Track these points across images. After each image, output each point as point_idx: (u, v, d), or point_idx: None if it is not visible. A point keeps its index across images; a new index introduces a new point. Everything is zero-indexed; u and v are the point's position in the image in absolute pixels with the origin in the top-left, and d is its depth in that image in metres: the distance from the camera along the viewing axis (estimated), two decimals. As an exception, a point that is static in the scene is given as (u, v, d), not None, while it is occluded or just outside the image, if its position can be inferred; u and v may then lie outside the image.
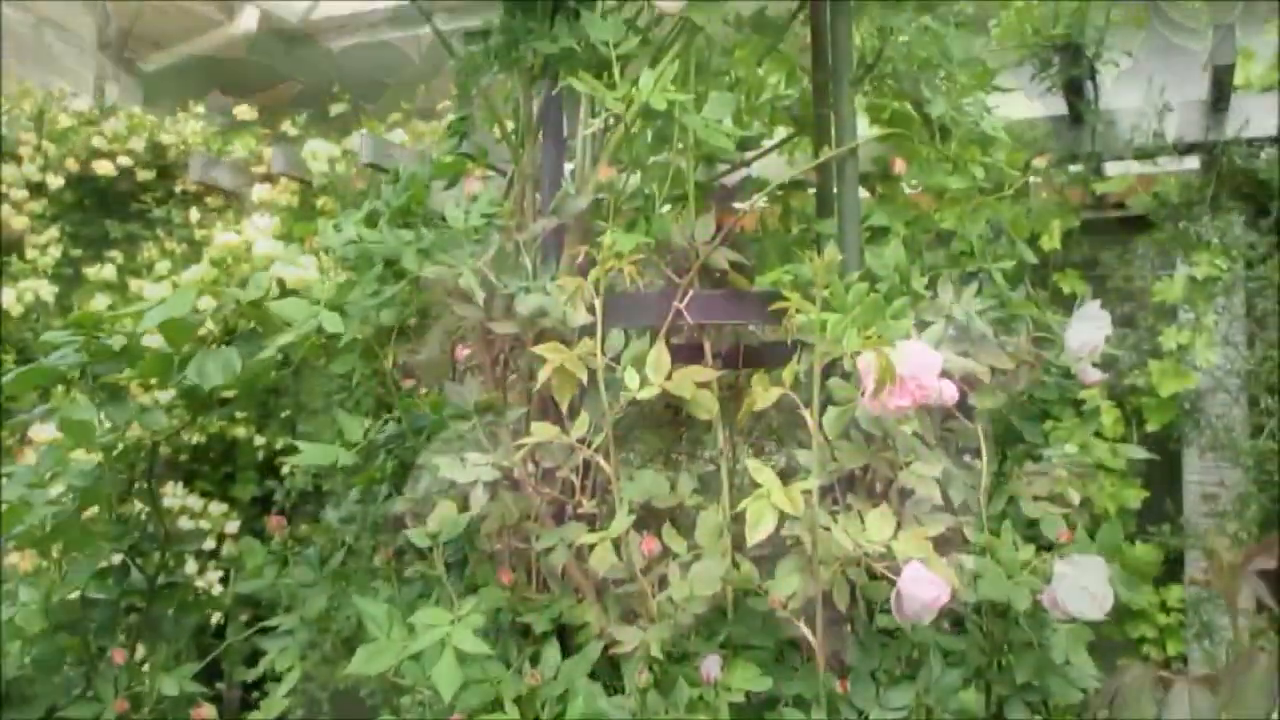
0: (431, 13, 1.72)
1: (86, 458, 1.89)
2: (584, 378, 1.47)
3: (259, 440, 4.41)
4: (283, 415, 4.45)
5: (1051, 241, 3.53)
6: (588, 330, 1.55)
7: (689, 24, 1.59)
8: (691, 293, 1.61)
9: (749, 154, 2.08)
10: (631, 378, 1.48)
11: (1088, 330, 1.63)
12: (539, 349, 1.47)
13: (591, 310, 1.52)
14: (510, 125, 1.85)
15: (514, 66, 1.72)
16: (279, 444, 4.53)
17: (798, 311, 1.48)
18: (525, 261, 1.67)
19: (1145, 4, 3.46)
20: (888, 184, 1.83)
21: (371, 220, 1.61)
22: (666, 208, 1.78)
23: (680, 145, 1.65)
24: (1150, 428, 3.37)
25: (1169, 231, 3.49)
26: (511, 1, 1.67)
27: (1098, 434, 3.25)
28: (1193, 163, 3.61)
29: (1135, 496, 3.30)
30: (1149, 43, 3.60)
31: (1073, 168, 3.63)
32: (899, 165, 1.75)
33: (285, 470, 4.47)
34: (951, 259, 1.78)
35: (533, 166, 1.73)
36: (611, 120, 1.60)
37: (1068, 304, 3.68)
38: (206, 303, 2.08)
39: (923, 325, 1.65)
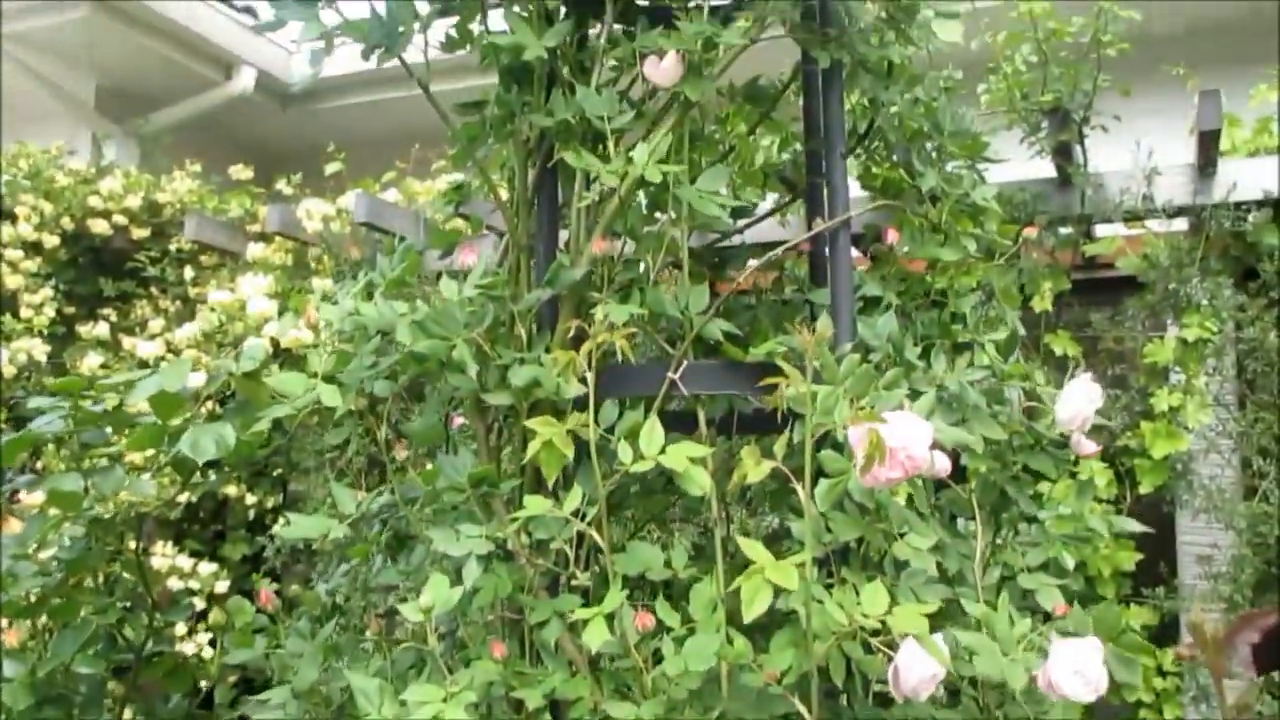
0: (428, 83, 1.73)
1: (74, 527, 1.88)
2: (571, 454, 1.47)
3: (250, 499, 4.39)
4: (274, 474, 4.44)
5: (1043, 303, 3.54)
6: (582, 402, 1.55)
7: (682, 97, 1.61)
8: (685, 363, 1.62)
9: (743, 221, 2.10)
10: (625, 451, 1.48)
11: (1078, 402, 1.63)
12: (530, 423, 1.47)
13: (585, 382, 1.52)
14: (505, 194, 1.86)
15: (510, 138, 1.74)
16: (270, 503, 4.51)
17: (790, 383, 1.48)
18: (520, 331, 1.68)
19: (1133, 77, 3.50)
20: (880, 253, 1.84)
21: (368, 292, 1.62)
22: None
23: (674, 215, 1.67)
24: (1143, 489, 3.37)
25: (1159, 293, 3.51)
26: (508, 75, 1.69)
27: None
28: (1181, 223, 3.64)
29: (1129, 559, 3.29)
30: (1136, 106, 3.63)
31: (1063, 230, 3.66)
32: (891, 236, 1.76)
33: (276, 529, 4.45)
34: (944, 328, 1.79)
35: (528, 236, 1.74)
36: (606, 191, 1.61)
37: (1060, 365, 3.69)
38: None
39: (915, 395, 1.65)
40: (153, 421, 1.75)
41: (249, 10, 5.10)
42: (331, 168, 4.87)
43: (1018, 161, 3.59)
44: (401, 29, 1.65)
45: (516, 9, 1.69)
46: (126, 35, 4.85)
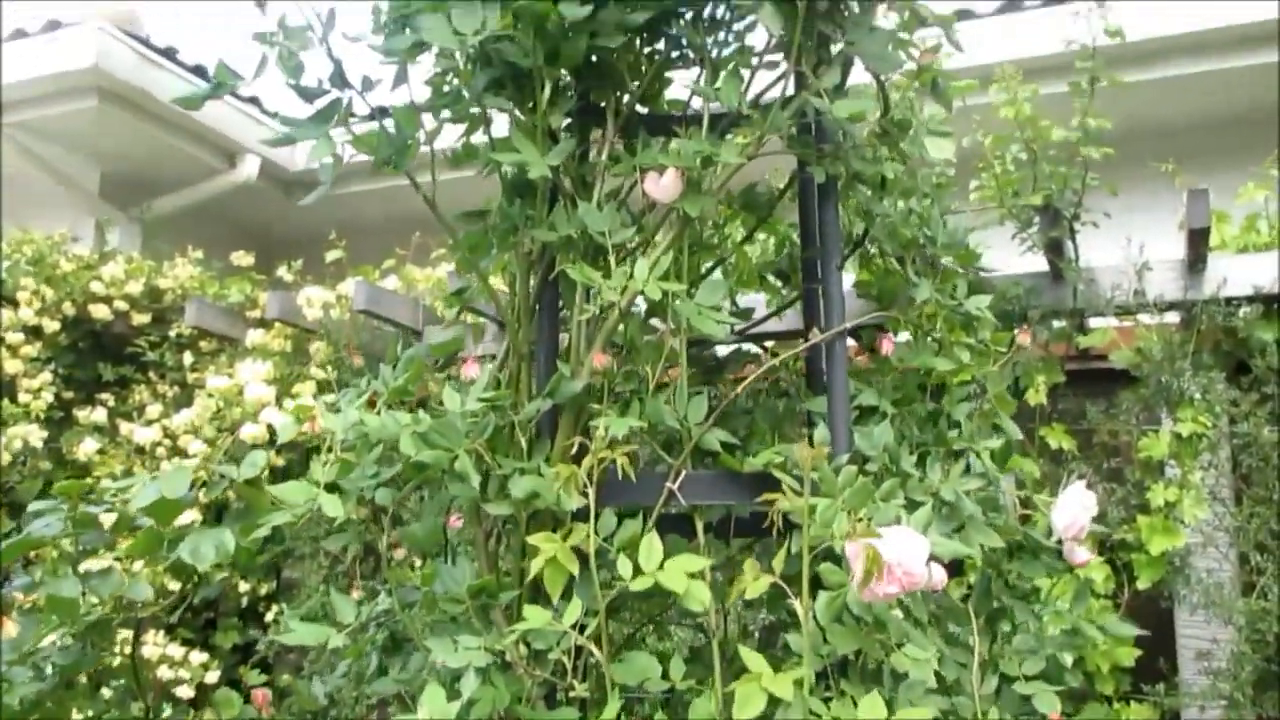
0: (433, 197, 1.77)
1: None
2: (575, 569, 1.48)
3: (243, 586, 4.36)
4: (268, 560, 4.42)
5: (1037, 396, 3.57)
6: (581, 510, 1.56)
7: (681, 213, 1.65)
8: (684, 474, 1.63)
9: (740, 326, 2.13)
10: (624, 566, 1.49)
11: (1073, 510, 1.65)
12: (534, 539, 1.48)
13: (585, 495, 1.54)
14: (505, 297, 1.89)
15: (513, 249, 1.77)
16: (263, 590, 4.48)
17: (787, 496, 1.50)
18: (520, 439, 1.70)
19: (1122, 172, 3.57)
20: (876, 361, 1.87)
21: (370, 400, 1.64)
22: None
23: (673, 325, 1.70)
24: (1141, 584, 3.36)
25: (1152, 387, 3.54)
26: (511, 189, 1.73)
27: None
28: (1173, 316, 3.68)
29: (1128, 655, 3.27)
30: (1126, 200, 3.70)
31: (1056, 323, 3.69)
32: (886, 345, 1.79)
33: (269, 618, 4.41)
34: (939, 436, 1.80)
35: (528, 345, 1.77)
36: (607, 305, 1.64)
37: (1055, 458, 3.70)
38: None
39: (912, 505, 1.66)
40: (152, 525, 1.76)
41: (254, 100, 5.19)
42: (332, 255, 4.92)
43: (1011, 255, 3.66)
44: (409, 143, 1.69)
45: (520, 126, 1.74)
46: (132, 124, 4.92)
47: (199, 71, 5.02)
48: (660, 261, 1.56)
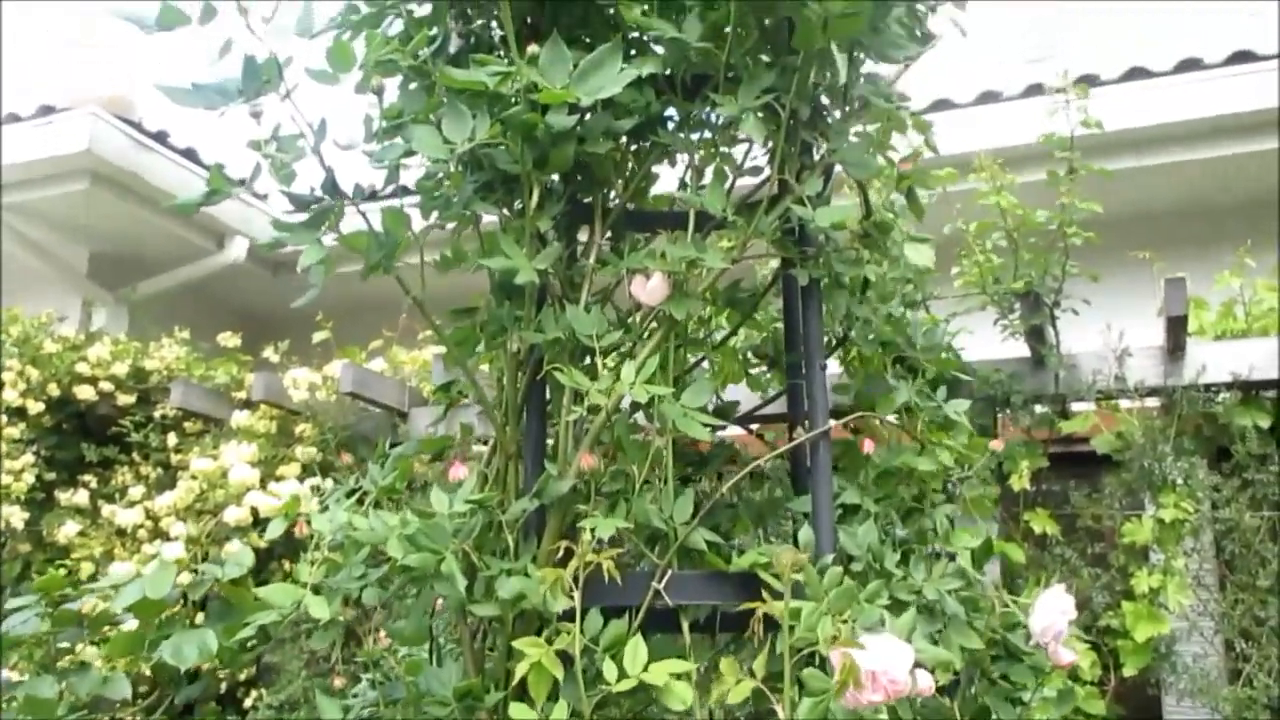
0: (420, 297, 1.80)
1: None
2: (560, 673, 1.48)
3: (221, 670, 4.30)
4: (249, 645, 4.36)
5: (1020, 482, 3.58)
6: (568, 612, 1.57)
7: (668, 315, 1.68)
8: (670, 573, 1.64)
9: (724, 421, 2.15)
10: (610, 669, 1.49)
11: (1050, 614, 1.66)
12: (519, 644, 1.48)
13: (571, 596, 1.54)
14: (493, 397, 1.91)
15: (501, 348, 1.79)
16: (243, 674, 4.43)
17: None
18: (507, 538, 1.70)
19: (1101, 259, 3.63)
20: (857, 460, 1.89)
21: (360, 500, 1.64)
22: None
23: (659, 425, 1.71)
24: (1127, 671, 3.35)
25: (1135, 471, 3.56)
26: (500, 290, 1.76)
27: (1074, 677, 3.23)
28: (1155, 399, 3.72)
29: (1117, 744, 3.26)
30: (1106, 285, 3.75)
31: (1038, 408, 3.73)
32: (868, 446, 1.81)
33: (248, 703, 4.35)
34: (920, 535, 1.82)
35: (515, 444, 1.78)
36: (593, 406, 1.65)
37: (1039, 542, 3.70)
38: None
39: (896, 605, 1.67)
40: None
41: (244, 183, 5.24)
42: (319, 336, 4.94)
43: (993, 341, 3.71)
44: (398, 246, 1.72)
45: (508, 229, 1.78)
46: (122, 206, 4.97)
47: (190, 155, 5.08)
48: (647, 364, 1.58)
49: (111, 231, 5.23)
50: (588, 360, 1.70)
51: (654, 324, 1.77)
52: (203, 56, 1.70)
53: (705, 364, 2.14)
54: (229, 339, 4.94)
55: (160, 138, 4.98)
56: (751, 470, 2.11)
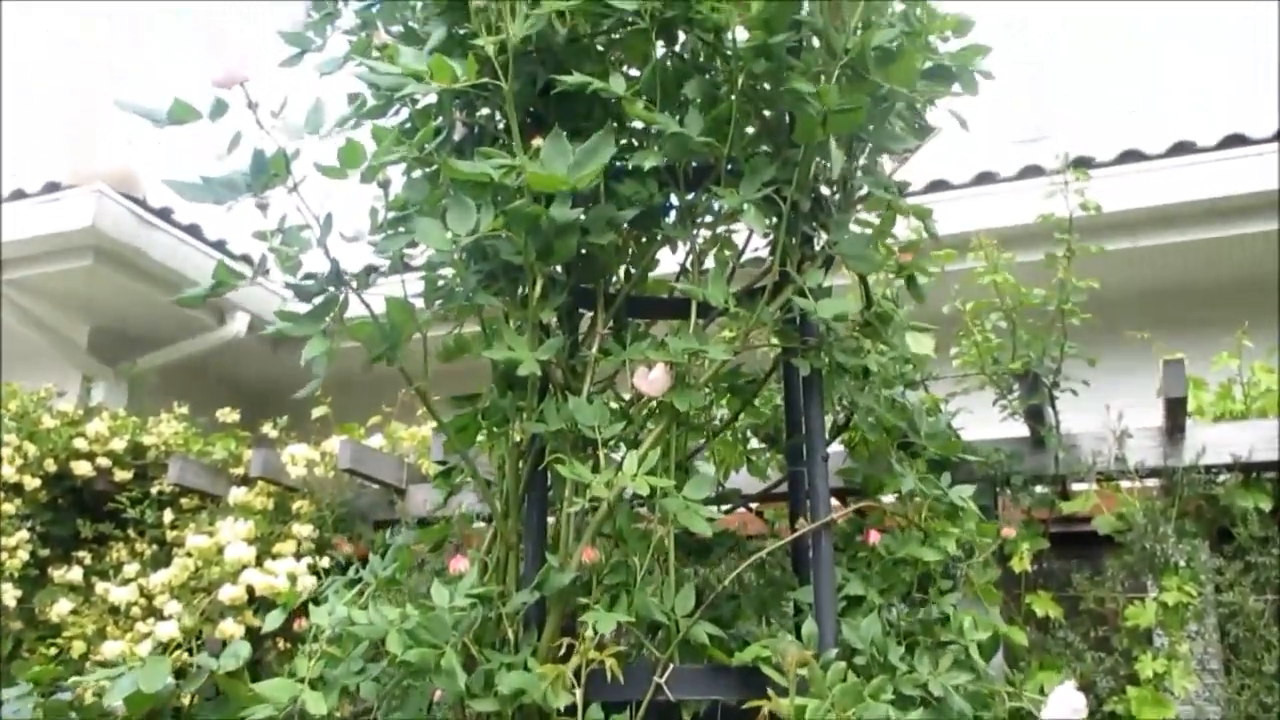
0: (424, 388, 1.80)
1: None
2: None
3: (215, 755, 4.23)
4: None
5: (1021, 564, 3.55)
6: (569, 708, 1.55)
7: (669, 406, 1.68)
8: (672, 667, 1.62)
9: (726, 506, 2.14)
10: (612, 770, 1.46)
11: (1063, 712, 1.64)
12: (519, 743, 1.46)
13: (572, 693, 1.52)
14: (492, 485, 1.91)
15: (503, 438, 1.79)
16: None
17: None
18: (507, 630, 1.69)
19: (1099, 338, 3.64)
20: (861, 550, 1.88)
21: (360, 592, 1.63)
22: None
23: (660, 515, 1.71)
24: (1135, 758, 3.30)
25: (1137, 553, 3.53)
26: (503, 380, 1.76)
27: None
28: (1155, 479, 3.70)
29: (1124, 833, 3.19)
30: (1105, 365, 3.76)
31: (1038, 488, 3.71)
32: (873, 536, 1.80)
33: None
34: (926, 627, 1.80)
35: (516, 534, 1.77)
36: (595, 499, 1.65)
37: (1042, 625, 3.67)
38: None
39: (901, 700, 1.65)
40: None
41: (245, 259, 5.27)
42: (317, 411, 4.93)
43: (992, 420, 3.70)
44: (402, 336, 1.72)
45: (511, 312, 1.78)
46: (124, 282, 4.99)
47: (194, 231, 5.12)
48: (648, 456, 1.58)
49: (113, 307, 5.25)
50: (590, 451, 1.69)
51: (656, 414, 1.77)
52: (209, 136, 1.72)
53: (706, 451, 2.13)
54: (228, 414, 4.93)
55: (164, 214, 5.02)
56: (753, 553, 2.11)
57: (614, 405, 1.81)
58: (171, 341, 5.36)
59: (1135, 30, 6.19)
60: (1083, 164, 3.93)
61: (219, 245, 5.25)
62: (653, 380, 1.65)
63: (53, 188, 4.87)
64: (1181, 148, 4.23)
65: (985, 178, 4.55)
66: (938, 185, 4.55)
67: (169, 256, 4.97)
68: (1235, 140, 4.15)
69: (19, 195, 4.92)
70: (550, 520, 1.85)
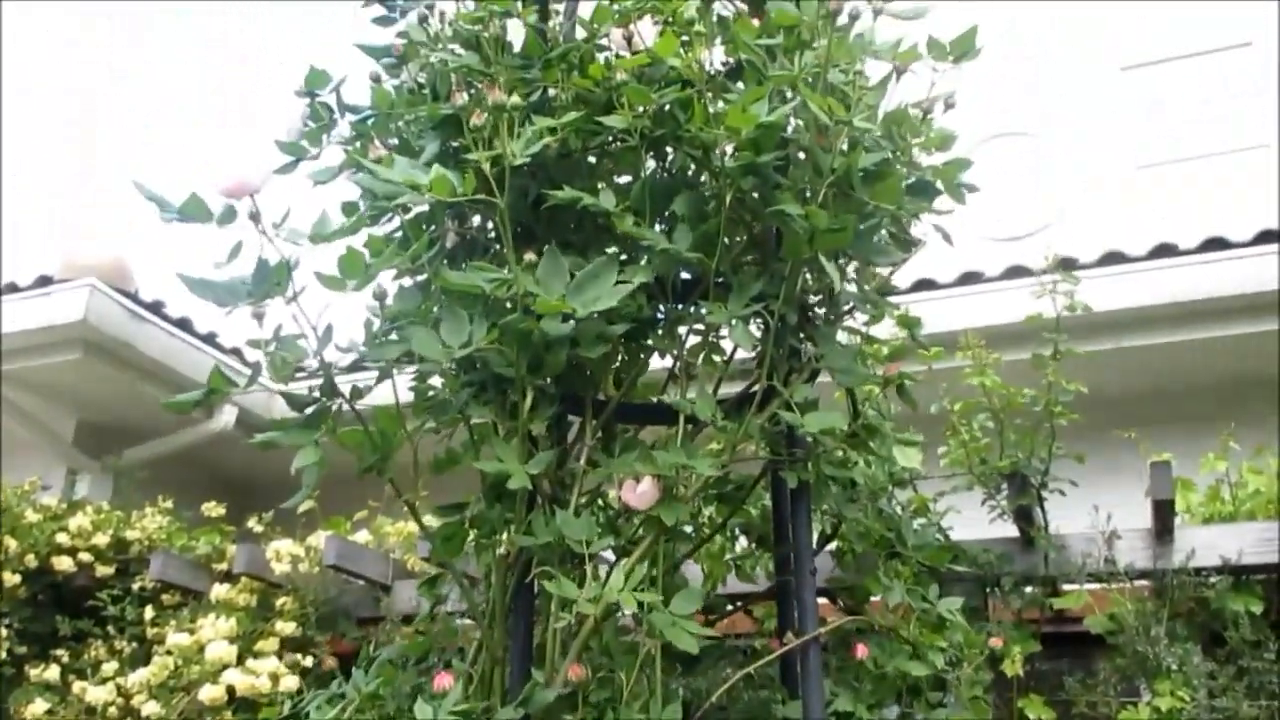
0: (413, 500, 1.80)
1: None
2: None
3: None
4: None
5: (1013, 667, 3.52)
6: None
7: (657, 520, 1.68)
8: (659, 787, 1.60)
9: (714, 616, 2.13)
10: None
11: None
12: None
13: (558, 815, 1.50)
14: (478, 594, 1.89)
15: (490, 550, 1.78)
16: None
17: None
18: (492, 746, 1.66)
19: (1086, 437, 3.66)
20: (850, 664, 1.86)
21: (343, 709, 1.61)
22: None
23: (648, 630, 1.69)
24: None
25: (1129, 656, 3.51)
26: (491, 491, 1.76)
27: None
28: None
29: None
30: (1093, 465, 3.76)
31: (1029, 588, 3.69)
32: (861, 650, 1.79)
33: None
34: (918, 745, 1.78)
35: (502, 648, 1.76)
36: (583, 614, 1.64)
37: (1034, 730, 3.60)
38: None
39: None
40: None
41: (236, 352, 5.28)
42: (304, 505, 4.89)
43: (981, 519, 3.70)
44: (393, 445, 1.73)
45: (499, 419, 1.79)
46: (114, 375, 4.99)
47: (184, 325, 5.13)
48: (635, 571, 1.58)
49: (101, 399, 5.24)
50: (577, 564, 1.68)
51: (644, 525, 1.76)
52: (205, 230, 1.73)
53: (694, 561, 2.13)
54: (213, 508, 4.89)
55: (155, 308, 5.04)
56: (743, 664, 2.09)
57: (602, 517, 1.81)
58: (159, 434, 5.33)
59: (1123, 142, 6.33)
60: (1066, 265, 3.98)
61: (210, 339, 5.26)
62: (640, 494, 1.65)
63: (45, 281, 4.89)
64: (1163, 250, 4.29)
65: (971, 277, 4.61)
66: (924, 285, 4.61)
67: (159, 350, 4.98)
68: (1216, 244, 4.22)
69: (11, 289, 4.94)
70: (537, 629, 1.84)
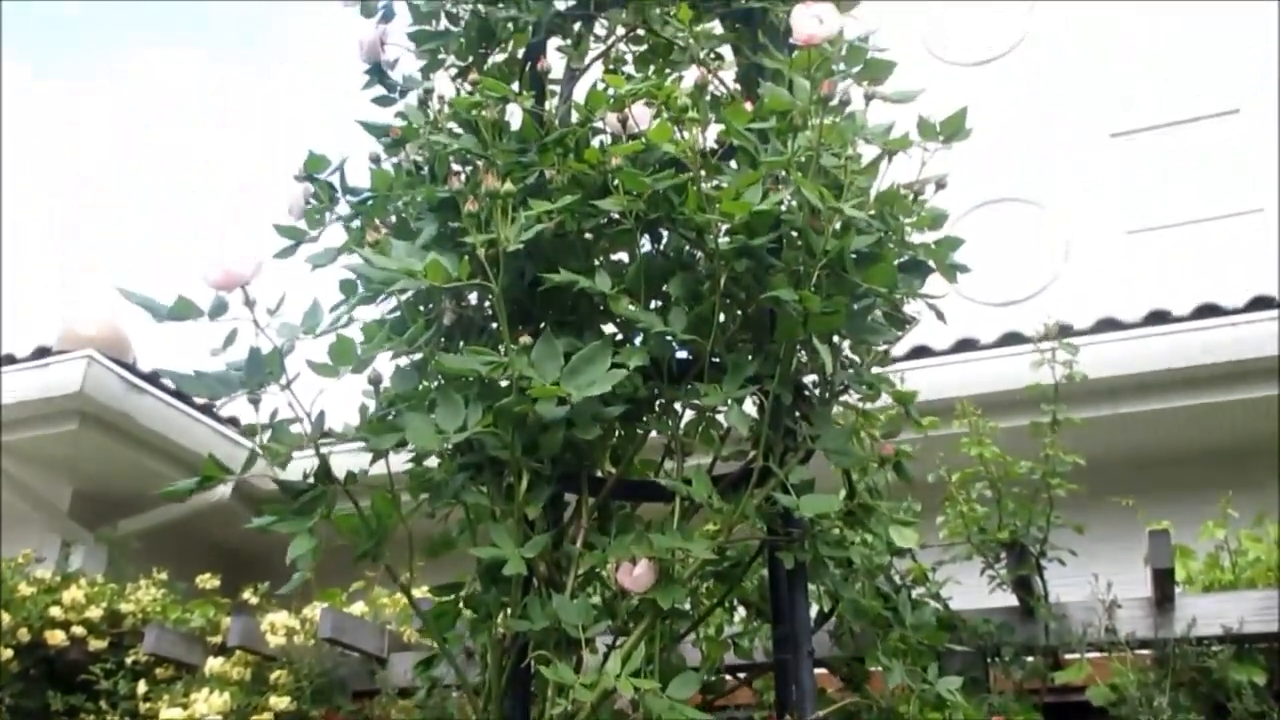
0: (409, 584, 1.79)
1: None
2: None
3: None
4: None
5: (1017, 742, 3.48)
6: None
7: (653, 602, 1.67)
8: None
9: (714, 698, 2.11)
10: None
11: None
12: None
13: None
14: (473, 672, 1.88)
15: (486, 633, 1.77)
16: None
17: None
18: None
19: (1084, 504, 3.65)
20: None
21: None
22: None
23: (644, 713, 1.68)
24: None
25: (1132, 729, 3.47)
26: (487, 574, 1.75)
27: None
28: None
29: None
30: (1092, 533, 3.75)
31: (1029, 658, 3.66)
32: (861, 731, 1.77)
33: None
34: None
35: (499, 730, 1.74)
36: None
37: (1042, 809, 3.56)
38: None
39: None
40: None
41: (233, 421, 5.28)
42: (298, 578, 4.85)
43: (981, 589, 3.67)
44: (389, 529, 1.72)
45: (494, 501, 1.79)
46: (110, 446, 4.99)
47: (181, 395, 5.14)
48: (632, 657, 1.57)
49: (97, 470, 5.22)
50: (574, 647, 1.67)
51: (640, 607, 1.76)
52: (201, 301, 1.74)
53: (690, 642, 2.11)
54: (207, 580, 4.86)
55: (152, 378, 5.04)
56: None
57: (598, 597, 1.80)
58: (154, 505, 5.31)
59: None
60: (1061, 332, 4.00)
61: (207, 409, 5.26)
62: (637, 576, 1.64)
63: (42, 352, 4.90)
64: (1156, 317, 4.32)
65: (966, 344, 4.63)
66: (919, 352, 4.62)
67: (155, 421, 4.98)
68: (1208, 310, 4.25)
69: (9, 360, 4.95)
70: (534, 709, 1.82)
